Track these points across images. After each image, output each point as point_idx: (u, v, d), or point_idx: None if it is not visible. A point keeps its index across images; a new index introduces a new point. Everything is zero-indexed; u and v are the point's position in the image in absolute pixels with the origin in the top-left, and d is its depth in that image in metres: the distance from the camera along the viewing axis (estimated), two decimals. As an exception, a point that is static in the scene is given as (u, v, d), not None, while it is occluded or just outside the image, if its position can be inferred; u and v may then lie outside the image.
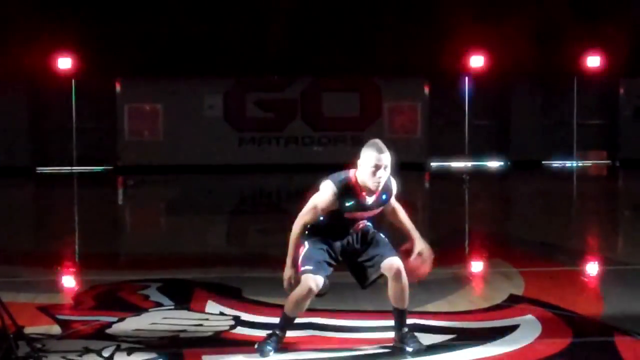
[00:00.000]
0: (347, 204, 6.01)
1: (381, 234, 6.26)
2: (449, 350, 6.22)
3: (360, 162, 6.00)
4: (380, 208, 6.17)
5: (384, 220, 6.33)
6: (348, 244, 6.19)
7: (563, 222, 14.28)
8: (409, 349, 6.16)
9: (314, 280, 6.02)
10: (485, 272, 9.93)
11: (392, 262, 6.11)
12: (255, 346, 6.12)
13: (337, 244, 6.17)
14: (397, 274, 6.12)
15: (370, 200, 6.06)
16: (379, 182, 5.96)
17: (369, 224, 6.27)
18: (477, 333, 6.66)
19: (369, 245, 6.19)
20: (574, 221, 14.79)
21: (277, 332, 6.19)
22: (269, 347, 6.10)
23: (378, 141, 6.02)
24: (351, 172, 6.07)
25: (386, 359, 6.12)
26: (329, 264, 6.13)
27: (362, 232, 6.23)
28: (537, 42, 23.14)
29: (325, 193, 6.01)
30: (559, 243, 11.76)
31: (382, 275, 6.16)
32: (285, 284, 6.10)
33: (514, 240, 12.41)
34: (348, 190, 6.00)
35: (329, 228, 6.14)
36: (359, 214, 6.12)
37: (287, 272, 6.08)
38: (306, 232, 6.15)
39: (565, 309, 7.38)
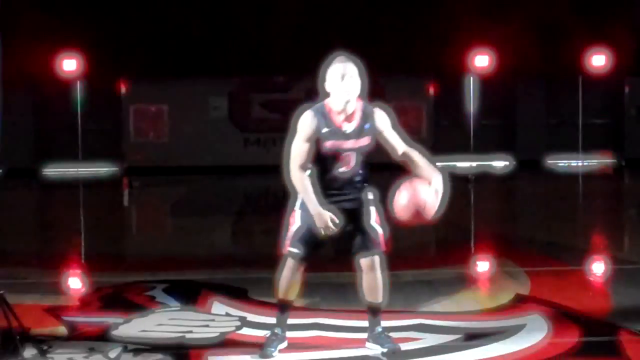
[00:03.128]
0: (324, 130, 5.88)
1: (371, 214, 6.04)
2: (455, 350, 6.22)
3: (326, 81, 5.95)
4: (366, 139, 5.94)
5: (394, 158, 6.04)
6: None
7: (569, 221, 14.26)
8: (384, 350, 6.10)
9: (301, 264, 6.00)
10: (491, 272, 9.92)
11: (366, 257, 6.02)
12: (259, 354, 6.09)
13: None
14: (371, 266, 6.02)
15: (349, 127, 5.92)
16: (347, 92, 5.87)
17: (358, 170, 6.00)
18: (483, 333, 6.65)
19: (354, 229, 6.01)
20: (580, 220, 14.76)
21: (276, 330, 6.17)
22: (270, 349, 6.08)
23: (341, 54, 6.04)
24: (325, 101, 5.99)
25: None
26: (319, 242, 6.00)
27: (350, 211, 5.96)
28: (542, 41, 23.10)
29: (303, 119, 5.90)
30: (565, 242, 11.74)
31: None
32: (326, 227, 5.80)
33: (519, 240, 12.40)
34: (323, 115, 5.91)
35: (321, 189, 5.93)
36: (341, 144, 5.91)
37: (320, 218, 5.81)
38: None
39: (572, 308, 7.37)
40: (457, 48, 23.05)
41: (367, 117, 5.97)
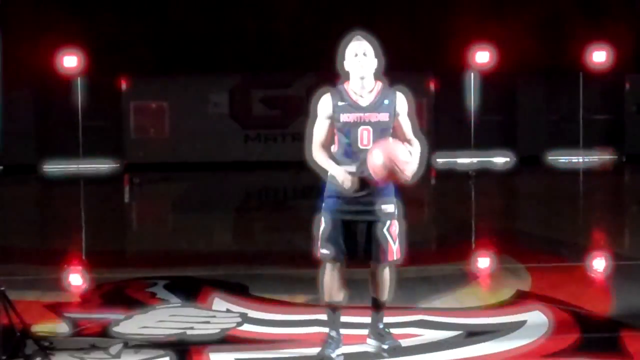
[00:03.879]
0: (340, 103, 6.00)
1: (386, 225, 5.96)
2: (455, 346, 6.22)
3: (344, 60, 6.11)
4: (384, 115, 5.96)
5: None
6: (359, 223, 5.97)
7: (569, 217, 14.26)
8: (384, 346, 6.10)
9: (337, 265, 5.96)
10: (492, 268, 9.92)
11: (380, 264, 6.04)
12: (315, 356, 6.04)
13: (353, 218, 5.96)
14: (380, 270, 6.06)
15: (364, 102, 5.99)
16: (361, 67, 5.99)
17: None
18: (484, 329, 6.65)
19: (367, 239, 5.99)
20: (581, 217, 14.76)
21: (331, 333, 6.10)
22: (329, 350, 6.03)
23: (358, 33, 6.17)
24: (343, 81, 6.17)
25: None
26: (348, 241, 5.97)
27: (371, 225, 5.93)
28: (543, 37, 23.09)
29: (320, 100, 6.09)
30: (566, 239, 11.74)
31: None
32: (349, 182, 5.81)
33: (520, 236, 12.39)
34: (338, 91, 6.08)
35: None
36: (358, 116, 5.95)
37: (340, 175, 5.85)
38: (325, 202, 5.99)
39: (573, 304, 7.37)
40: (457, 44, 23.03)
41: (386, 94, 6.04)
